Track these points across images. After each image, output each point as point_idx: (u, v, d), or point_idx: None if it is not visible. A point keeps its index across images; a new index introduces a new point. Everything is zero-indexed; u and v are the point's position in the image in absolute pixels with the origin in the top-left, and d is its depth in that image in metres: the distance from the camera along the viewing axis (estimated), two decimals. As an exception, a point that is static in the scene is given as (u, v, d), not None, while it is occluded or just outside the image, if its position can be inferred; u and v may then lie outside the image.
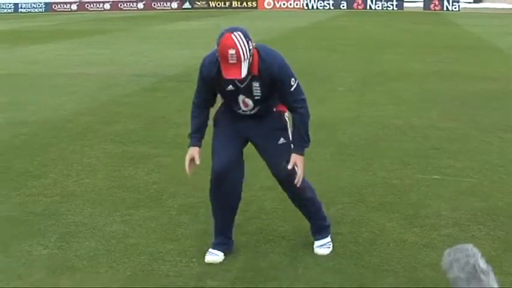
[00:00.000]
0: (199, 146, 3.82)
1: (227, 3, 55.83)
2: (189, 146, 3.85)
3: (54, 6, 57.42)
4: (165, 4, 56.95)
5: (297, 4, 53.80)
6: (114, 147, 6.61)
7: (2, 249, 3.99)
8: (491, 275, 2.64)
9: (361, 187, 5.17)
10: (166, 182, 5.37)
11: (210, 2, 56.28)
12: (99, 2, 57.93)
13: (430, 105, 8.85)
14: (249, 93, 3.61)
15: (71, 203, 4.86)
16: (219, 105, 3.92)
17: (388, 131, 7.26)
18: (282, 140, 3.75)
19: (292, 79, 3.58)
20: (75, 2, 58.45)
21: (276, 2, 52.85)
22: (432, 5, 50.16)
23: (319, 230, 3.98)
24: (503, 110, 8.43)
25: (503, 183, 5.27)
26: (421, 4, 50.54)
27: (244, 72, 3.38)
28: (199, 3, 56.26)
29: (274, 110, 3.77)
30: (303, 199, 3.91)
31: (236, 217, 4.01)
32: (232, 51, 3.32)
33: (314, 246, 3.93)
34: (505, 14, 41.86)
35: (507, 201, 4.81)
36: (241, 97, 3.65)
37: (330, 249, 3.91)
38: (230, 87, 3.62)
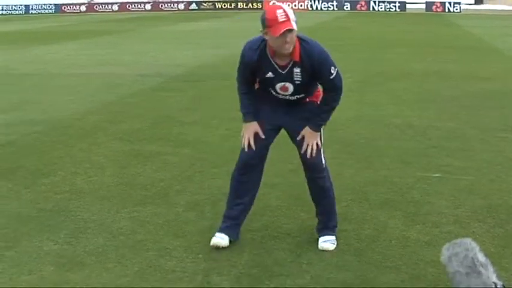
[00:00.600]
0: (256, 120, 3.88)
1: (233, 5, 55.90)
2: (245, 122, 3.90)
3: (64, 8, 57.68)
4: (172, 5, 57.06)
5: (301, 5, 53.83)
6: (122, 145, 6.70)
7: (13, 244, 4.07)
8: (490, 268, 2.68)
9: (363, 185, 5.25)
10: (172, 179, 5.45)
11: (216, 3, 56.34)
12: (108, 4, 58.14)
13: (430, 105, 8.93)
14: (289, 79, 3.72)
15: (79, 200, 4.94)
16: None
17: (388, 130, 7.34)
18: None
19: (332, 67, 3.72)
20: (84, 4, 58.63)
21: (280, 3, 52.81)
22: (434, 7, 50.19)
23: (326, 227, 4.05)
24: (502, 110, 8.50)
25: (502, 181, 5.34)
26: (423, 5, 50.54)
27: (295, 26, 3.51)
28: (205, 5, 56.33)
29: (308, 100, 3.89)
30: (323, 188, 4.00)
31: (246, 216, 4.13)
32: (280, 10, 3.52)
33: (319, 241, 4.00)
34: (505, 16, 41.80)
35: (506, 199, 4.88)
36: (280, 84, 3.75)
37: (334, 245, 3.98)
38: (270, 74, 3.72)
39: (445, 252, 2.85)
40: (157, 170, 5.75)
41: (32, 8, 58.15)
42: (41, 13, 56.52)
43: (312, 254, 3.89)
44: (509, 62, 14.47)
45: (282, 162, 5.60)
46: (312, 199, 4.12)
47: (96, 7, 57.86)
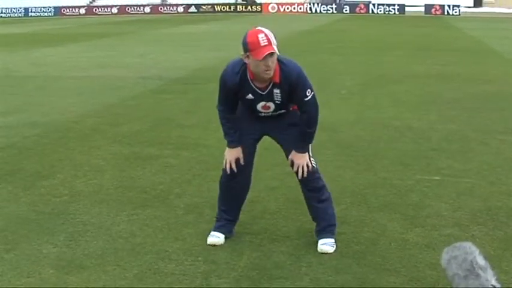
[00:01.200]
0: (240, 146, 3.98)
1: (232, 8, 55.99)
2: (229, 147, 3.99)
3: (63, 10, 57.83)
4: (171, 8, 57.14)
5: (300, 8, 53.89)
6: (121, 148, 6.70)
7: (13, 247, 4.07)
8: (489, 271, 2.68)
9: (363, 187, 5.25)
10: (172, 182, 5.45)
11: (216, 6, 56.42)
12: (107, 6, 58.26)
13: (430, 107, 8.94)
14: (270, 99, 3.82)
15: (79, 202, 4.94)
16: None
17: (388, 132, 7.34)
18: None
19: (309, 90, 3.80)
20: (83, 6, 58.73)
21: (280, 7, 52.95)
22: (433, 9, 50.29)
23: (324, 229, 4.06)
24: (501, 112, 8.51)
25: (501, 183, 5.34)
26: (422, 8, 50.64)
27: (276, 50, 3.60)
28: (204, 8, 56.39)
29: (291, 109, 3.96)
30: (316, 188, 4.04)
31: (241, 215, 4.17)
32: (261, 35, 3.61)
33: (318, 244, 4.00)
34: (504, 18, 41.90)
35: (505, 201, 4.88)
36: (261, 104, 3.84)
37: (334, 248, 3.98)
38: (250, 96, 3.82)
39: (445, 255, 2.85)
40: (157, 173, 5.75)
41: (31, 11, 58.29)
42: (40, 16, 56.64)
43: (311, 256, 3.89)
44: (508, 64, 14.49)
45: (280, 166, 5.59)
46: (307, 202, 4.14)
47: (96, 10, 57.95)
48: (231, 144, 3.99)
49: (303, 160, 3.90)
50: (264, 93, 3.80)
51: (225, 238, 4.11)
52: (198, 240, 4.15)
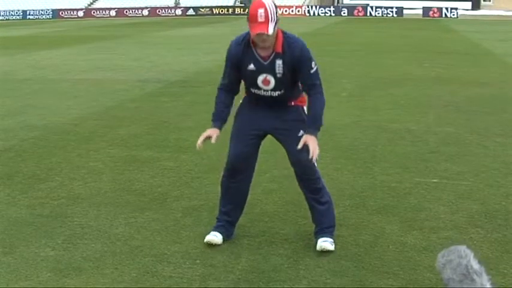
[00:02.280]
0: (220, 129, 3.97)
1: (230, 10, 56.10)
2: (211, 127, 3.98)
3: (61, 13, 57.90)
4: (169, 11, 57.20)
5: (298, 11, 53.98)
6: (119, 151, 6.70)
7: (11, 250, 4.06)
8: (484, 276, 2.68)
9: (361, 190, 5.25)
10: (170, 185, 5.45)
11: (214, 9, 56.49)
12: (105, 9, 58.33)
13: (427, 110, 8.96)
14: (271, 70, 3.80)
15: (77, 205, 4.94)
16: (241, 99, 4.09)
17: (387, 135, 7.35)
18: (301, 132, 3.91)
19: (313, 62, 3.83)
20: (81, 9, 58.83)
21: (278, 9, 52.96)
22: (431, 12, 50.43)
23: (323, 230, 4.06)
24: (499, 115, 8.53)
25: (499, 186, 5.35)
26: (420, 11, 50.77)
27: (271, 30, 3.62)
28: (203, 10, 56.46)
29: (293, 103, 3.95)
30: (316, 189, 4.04)
31: (241, 216, 4.17)
32: (261, 10, 3.62)
33: (318, 242, 4.00)
34: (501, 21, 42.05)
35: (503, 204, 4.89)
36: (261, 77, 3.82)
37: (333, 246, 3.98)
38: (252, 66, 3.81)
39: (440, 259, 2.84)
40: (155, 175, 5.75)
41: (29, 14, 58.38)
42: (39, 18, 56.70)
43: (309, 259, 3.89)
44: (506, 67, 14.52)
45: (278, 169, 5.60)
46: (308, 203, 4.14)
47: (94, 12, 58.02)
48: (213, 122, 3.99)
49: (315, 143, 3.85)
50: (266, 63, 3.79)
51: (224, 240, 4.11)
52: (196, 243, 4.15)
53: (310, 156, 3.83)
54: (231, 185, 4.10)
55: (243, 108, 4.07)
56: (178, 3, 57.86)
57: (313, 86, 3.85)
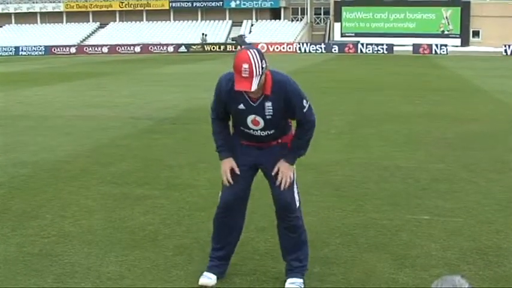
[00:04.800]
0: (232, 157, 3.95)
1: (222, 47, 56.59)
2: (221, 159, 3.97)
3: (54, 49, 58.22)
4: (161, 48, 57.66)
5: (290, 48, 54.54)
6: (111, 188, 6.68)
7: (-1, 289, 4.03)
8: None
9: (352, 228, 5.24)
10: (161, 223, 5.43)
11: (205, 46, 56.99)
12: (98, 46, 58.74)
13: (418, 147, 9.02)
14: (260, 112, 3.78)
15: (67, 243, 4.90)
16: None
17: (377, 172, 7.37)
18: None
19: (304, 100, 3.81)
20: (74, 46, 59.22)
21: (269, 46, 53.53)
22: (421, 49, 51.08)
23: (293, 269, 4.02)
24: (489, 151, 8.59)
25: (490, 222, 5.36)
26: (410, 48, 51.40)
27: (254, 86, 3.57)
28: (194, 47, 56.94)
29: (280, 141, 3.94)
30: (294, 227, 4.00)
31: (232, 255, 4.14)
32: (245, 66, 3.55)
33: (286, 283, 3.96)
34: (490, 57, 42.66)
35: (495, 240, 4.89)
36: (251, 117, 3.81)
37: None
38: (241, 106, 3.79)
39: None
40: (146, 213, 5.73)
41: (22, 50, 58.69)
42: (31, 55, 56.97)
43: (301, 298, 3.86)
44: (494, 103, 14.69)
45: (269, 206, 5.55)
46: (280, 240, 4.11)
47: (86, 49, 58.40)
48: (222, 154, 3.96)
49: (289, 171, 3.87)
50: (255, 104, 3.77)
51: (218, 279, 4.06)
52: (187, 282, 4.12)
53: (277, 183, 3.86)
54: (224, 221, 4.05)
55: (233, 140, 4.03)
56: (205, 40, 58.44)
57: (306, 122, 3.86)
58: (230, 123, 4.04)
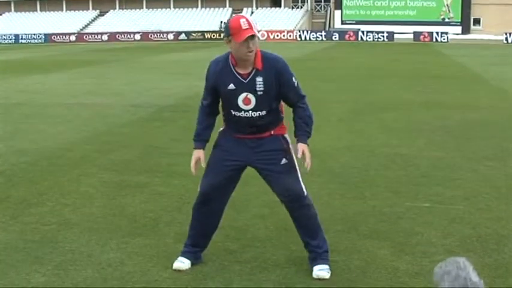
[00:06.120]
0: (203, 149, 4.07)
1: (222, 35, 56.33)
2: (194, 149, 4.07)
3: (54, 37, 58.10)
4: (161, 35, 57.50)
5: (290, 35, 54.36)
6: (111, 176, 6.68)
7: (1, 276, 4.02)
8: (483, 288, 2.66)
9: (352, 215, 5.25)
10: (162, 210, 5.44)
11: (205, 34, 56.81)
12: (97, 34, 58.57)
13: (418, 134, 9.01)
14: (252, 88, 3.79)
15: (67, 231, 4.91)
16: (221, 127, 4.08)
17: (378, 159, 7.37)
18: (283, 161, 3.93)
19: (293, 77, 3.86)
20: (73, 33, 59.07)
21: (269, 34, 53.36)
22: (422, 36, 50.92)
23: (319, 256, 4.04)
24: (488, 139, 8.58)
25: (490, 210, 5.37)
26: (411, 35, 51.24)
27: (257, 34, 3.69)
28: (194, 35, 56.78)
29: (273, 133, 3.93)
30: (307, 216, 4.03)
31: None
32: (243, 20, 3.70)
33: (313, 270, 3.98)
34: (490, 45, 42.55)
35: (495, 228, 4.90)
36: (242, 96, 3.81)
37: (329, 274, 3.96)
38: (232, 86, 3.81)
39: (438, 270, 2.81)
40: (147, 201, 5.74)
41: (21, 38, 58.57)
42: (31, 43, 56.85)
43: (301, 285, 3.87)
44: (495, 91, 14.66)
45: (268, 194, 5.54)
46: (299, 231, 4.12)
47: (86, 37, 58.25)
48: (195, 144, 4.08)
49: (308, 151, 3.90)
50: (245, 80, 3.79)
51: (192, 264, 4.12)
52: (188, 269, 4.12)
53: (305, 165, 3.88)
54: (202, 211, 4.09)
55: (221, 139, 4.03)
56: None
57: (299, 97, 3.90)
58: (220, 117, 4.06)
